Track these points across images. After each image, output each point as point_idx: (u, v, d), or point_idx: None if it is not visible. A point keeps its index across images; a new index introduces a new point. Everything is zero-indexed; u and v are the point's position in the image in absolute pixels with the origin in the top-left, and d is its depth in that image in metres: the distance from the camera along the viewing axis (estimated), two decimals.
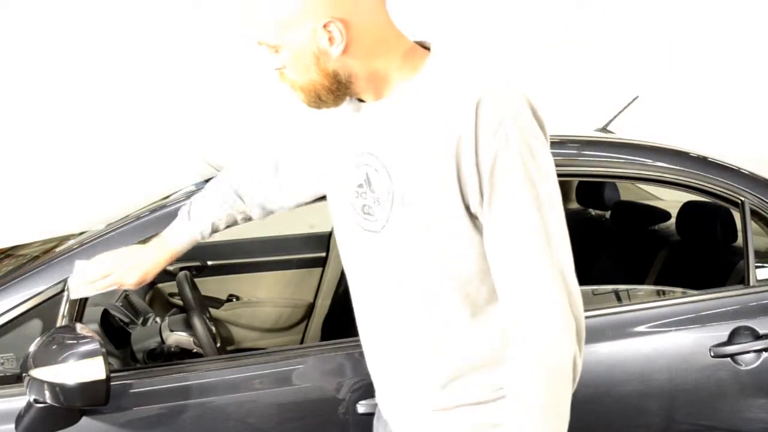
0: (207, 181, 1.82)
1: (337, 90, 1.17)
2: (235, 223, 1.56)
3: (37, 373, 1.37)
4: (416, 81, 1.15)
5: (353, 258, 1.30)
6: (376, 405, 1.61)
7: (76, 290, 1.52)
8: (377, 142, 1.18)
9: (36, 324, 1.58)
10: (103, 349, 1.40)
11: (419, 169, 1.13)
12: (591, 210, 3.37)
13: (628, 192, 3.20)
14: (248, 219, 1.56)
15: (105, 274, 1.50)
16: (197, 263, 2.93)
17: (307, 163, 1.48)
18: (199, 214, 1.53)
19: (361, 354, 1.71)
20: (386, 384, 1.36)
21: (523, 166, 1.07)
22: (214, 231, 1.54)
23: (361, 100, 1.22)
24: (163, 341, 2.09)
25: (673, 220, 2.76)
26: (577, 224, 3.39)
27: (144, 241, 1.60)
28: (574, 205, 3.42)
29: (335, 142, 1.29)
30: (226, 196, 1.53)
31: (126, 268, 1.50)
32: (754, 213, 2.01)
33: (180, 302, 2.64)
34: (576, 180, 3.10)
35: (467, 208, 1.12)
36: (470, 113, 1.07)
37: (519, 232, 1.09)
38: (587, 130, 2.54)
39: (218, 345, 1.97)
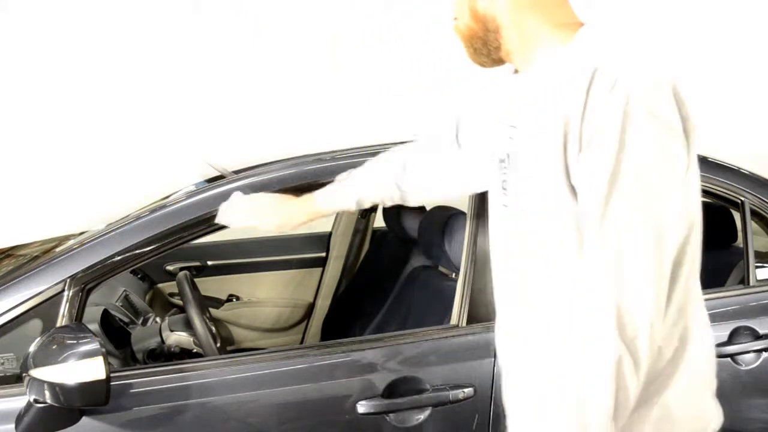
0: (207, 181, 1.83)
1: (486, 38, 1.16)
2: (380, 204, 1.61)
3: (37, 373, 1.37)
4: (562, 53, 1.10)
5: (494, 238, 1.29)
6: (376, 405, 1.61)
7: (222, 216, 1.64)
8: (518, 115, 1.16)
9: (36, 324, 1.57)
10: (103, 349, 1.39)
11: (536, 137, 1.09)
12: None
13: None
14: (394, 203, 1.61)
15: (251, 210, 1.61)
16: (197, 263, 2.93)
17: (447, 162, 1.49)
18: (352, 186, 1.59)
19: (360, 354, 1.72)
20: (511, 376, 1.29)
21: (621, 127, 0.98)
22: (359, 207, 1.60)
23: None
24: (163, 341, 2.09)
25: None
26: None
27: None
28: None
29: (491, 121, 1.28)
30: (381, 178, 1.58)
31: (269, 213, 1.60)
32: (754, 213, 2.01)
33: (180, 302, 2.64)
34: None
35: (568, 178, 1.05)
36: (586, 78, 1.02)
37: (586, 209, 1.02)
38: None
39: (218, 345, 1.97)
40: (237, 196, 1.65)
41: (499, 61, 1.21)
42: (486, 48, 1.18)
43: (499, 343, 1.32)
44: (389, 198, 1.58)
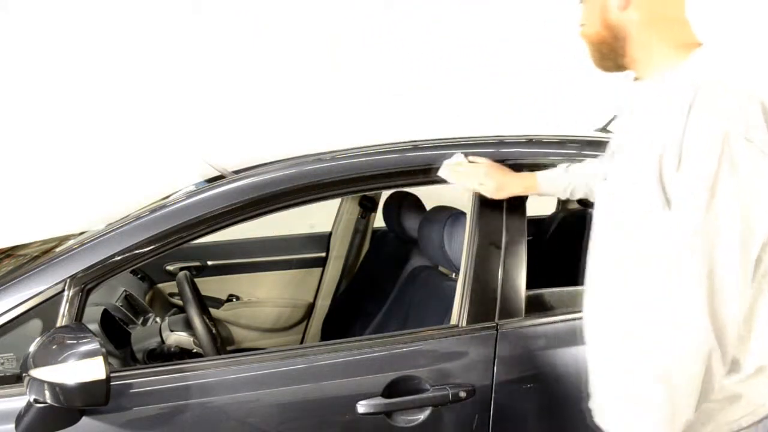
0: (207, 181, 1.83)
1: (613, 45, 1.29)
2: (591, 197, 1.67)
3: (37, 373, 1.37)
4: (675, 69, 1.22)
5: (594, 222, 1.39)
6: (376, 405, 1.62)
7: (444, 170, 1.81)
8: (629, 118, 1.30)
9: (36, 324, 1.57)
10: (103, 349, 1.39)
11: (638, 142, 1.22)
12: (591, 210, 3.36)
13: None
14: None
15: (472, 171, 1.78)
16: (197, 263, 2.93)
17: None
18: (572, 176, 1.74)
19: (360, 354, 1.72)
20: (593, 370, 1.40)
21: (720, 149, 1.10)
22: (570, 196, 1.76)
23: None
24: (163, 341, 2.09)
25: None
26: (577, 224, 3.41)
27: None
28: (574, 205, 3.43)
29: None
30: (591, 175, 1.70)
31: (488, 176, 1.77)
32: None
33: (180, 302, 2.64)
34: None
35: (662, 186, 1.16)
36: (688, 96, 1.14)
37: (681, 217, 1.13)
38: (587, 130, 2.54)
39: (218, 345, 1.97)
40: (460, 156, 1.82)
41: (622, 67, 1.33)
42: (613, 54, 1.31)
43: (588, 322, 1.40)
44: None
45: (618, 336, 1.28)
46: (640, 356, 1.18)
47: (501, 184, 1.78)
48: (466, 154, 1.84)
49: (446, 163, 1.83)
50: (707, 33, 1.33)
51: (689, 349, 1.13)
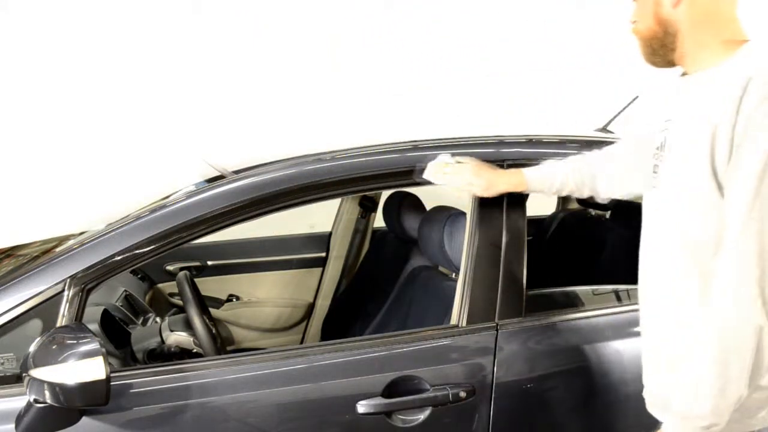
0: (207, 181, 1.83)
1: (664, 41, 1.34)
2: (577, 194, 1.77)
3: (37, 373, 1.37)
4: (724, 63, 1.28)
5: (644, 221, 1.45)
6: (376, 405, 1.62)
7: (428, 172, 1.79)
8: (677, 110, 1.35)
9: (36, 324, 1.57)
10: (103, 349, 1.39)
11: (688, 133, 1.28)
12: (591, 210, 3.37)
13: None
14: (589, 196, 1.77)
15: (457, 171, 1.77)
16: (197, 263, 2.93)
17: (634, 161, 1.60)
18: (559, 173, 1.75)
19: (360, 354, 1.72)
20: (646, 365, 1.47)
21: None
22: (557, 192, 1.77)
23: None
24: (163, 341, 2.09)
25: None
26: (577, 224, 3.41)
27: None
28: (574, 205, 3.43)
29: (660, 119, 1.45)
30: (582, 171, 1.74)
31: (474, 175, 1.76)
32: None
33: (180, 302, 2.64)
34: None
35: (714, 173, 1.22)
36: (740, 86, 1.20)
37: (734, 200, 1.19)
38: (587, 130, 2.54)
39: (218, 345, 1.97)
40: (445, 156, 1.81)
41: (671, 63, 1.38)
42: (663, 49, 1.36)
43: (644, 312, 1.47)
44: (586, 190, 1.75)
45: (673, 322, 1.34)
46: (695, 339, 1.24)
47: (490, 182, 1.77)
48: (462, 155, 1.83)
49: (431, 164, 1.80)
50: (754, 29, 1.38)
51: (742, 326, 1.19)
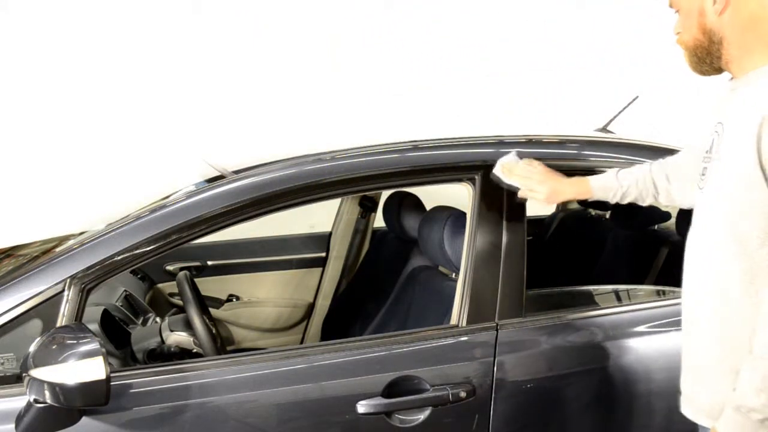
0: (207, 181, 1.83)
1: (710, 49, 1.37)
2: (639, 202, 1.79)
3: (37, 373, 1.37)
4: None
5: (692, 222, 1.45)
6: (375, 405, 1.62)
7: (498, 170, 1.80)
8: (727, 112, 1.37)
9: (36, 324, 1.57)
10: (103, 349, 1.39)
11: (737, 133, 1.30)
12: (591, 210, 3.37)
13: None
14: (647, 203, 1.80)
15: (527, 175, 1.77)
16: (197, 263, 2.93)
17: (693, 171, 1.59)
18: (624, 180, 1.77)
19: (360, 354, 1.71)
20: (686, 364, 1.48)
21: None
22: (620, 200, 1.78)
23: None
24: (163, 341, 2.09)
25: (673, 220, 2.76)
26: (577, 224, 3.41)
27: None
28: (574, 205, 3.43)
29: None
30: (642, 180, 1.75)
31: (541, 182, 1.77)
32: None
33: (180, 302, 2.64)
34: None
35: (761, 163, 1.25)
36: None
37: None
38: (587, 130, 2.54)
39: (218, 345, 1.97)
40: (514, 156, 1.82)
41: (718, 70, 1.41)
42: (709, 57, 1.39)
43: (688, 308, 1.47)
44: (649, 199, 1.77)
45: (718, 319, 1.35)
46: (748, 331, 1.26)
47: (554, 191, 1.78)
48: (521, 155, 1.83)
49: (501, 162, 1.81)
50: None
51: None
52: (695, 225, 1.44)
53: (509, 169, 1.79)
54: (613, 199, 1.79)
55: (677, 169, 1.71)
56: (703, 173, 1.42)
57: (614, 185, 1.78)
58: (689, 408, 1.45)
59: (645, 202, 1.78)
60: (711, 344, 1.37)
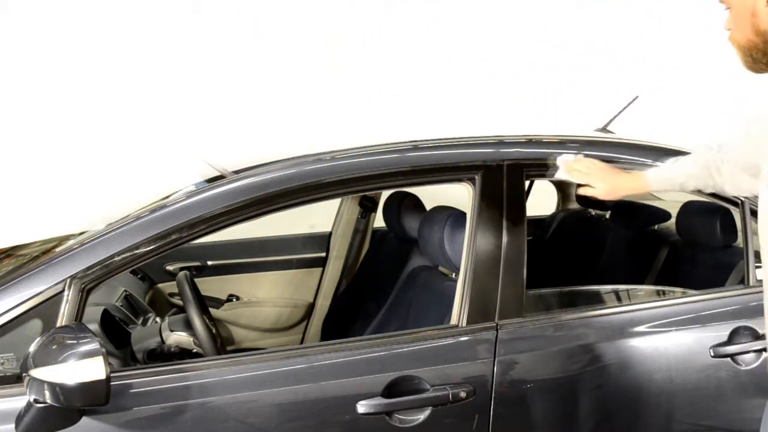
0: (207, 181, 1.83)
1: (765, 49, 1.37)
2: (701, 190, 1.81)
3: (37, 373, 1.37)
4: None
5: (760, 216, 1.45)
6: (375, 405, 1.62)
7: (561, 165, 1.84)
8: None
9: (36, 324, 1.57)
10: (103, 349, 1.39)
11: None
12: (591, 210, 3.37)
13: None
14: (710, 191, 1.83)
15: (587, 171, 1.81)
16: (197, 263, 2.93)
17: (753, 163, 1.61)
18: (682, 169, 1.78)
19: (360, 354, 1.71)
20: None
21: None
22: (682, 189, 1.82)
23: None
24: (163, 341, 2.09)
25: (673, 220, 2.77)
26: (577, 224, 3.41)
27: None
28: (574, 205, 3.43)
29: None
30: (706, 166, 1.75)
31: (601, 178, 1.81)
32: (753, 213, 2.01)
33: (180, 302, 2.64)
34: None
35: None
36: None
37: None
38: (587, 130, 2.54)
39: (218, 345, 1.97)
40: (572, 155, 1.86)
41: None
42: (765, 57, 1.39)
43: None
44: (710, 186, 1.78)
45: None
46: None
47: (613, 187, 1.83)
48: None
49: (561, 158, 1.85)
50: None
51: None
52: (762, 219, 1.44)
53: (570, 166, 1.84)
54: (673, 189, 1.82)
55: (744, 158, 1.68)
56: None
57: (671, 176, 1.80)
58: None
59: (707, 191, 1.81)
60: None
